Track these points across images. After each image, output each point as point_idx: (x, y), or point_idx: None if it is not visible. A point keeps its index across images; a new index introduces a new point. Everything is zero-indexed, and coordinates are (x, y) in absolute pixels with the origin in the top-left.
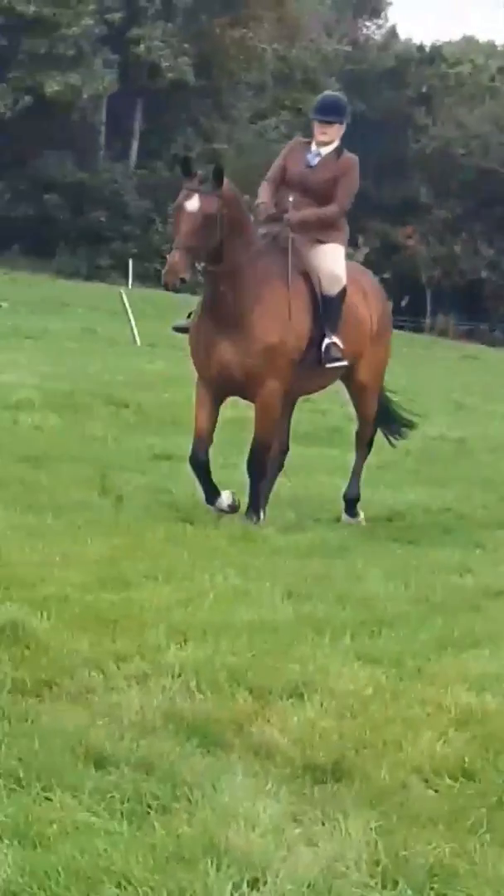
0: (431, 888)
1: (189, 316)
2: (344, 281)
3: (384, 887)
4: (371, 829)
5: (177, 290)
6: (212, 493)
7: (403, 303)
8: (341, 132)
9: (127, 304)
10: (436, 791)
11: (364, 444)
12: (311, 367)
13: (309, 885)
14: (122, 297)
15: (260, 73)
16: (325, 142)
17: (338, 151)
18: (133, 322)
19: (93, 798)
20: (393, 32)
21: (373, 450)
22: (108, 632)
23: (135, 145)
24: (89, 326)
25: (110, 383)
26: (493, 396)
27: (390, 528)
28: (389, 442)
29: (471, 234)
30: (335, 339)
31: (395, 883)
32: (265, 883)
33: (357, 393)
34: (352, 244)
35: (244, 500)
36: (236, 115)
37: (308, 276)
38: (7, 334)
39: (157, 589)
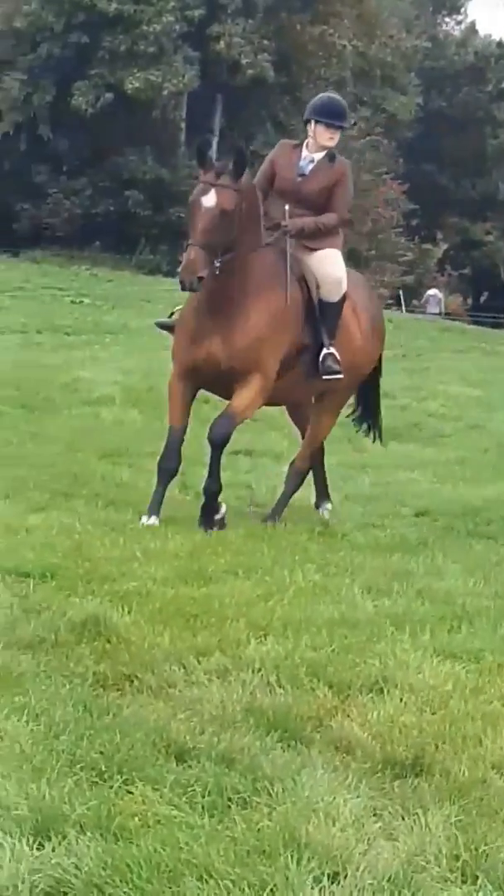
0: None
1: (171, 315)
2: (345, 287)
3: (464, 882)
4: (451, 823)
5: (193, 289)
6: (158, 505)
7: (482, 299)
8: None
9: None
10: None
11: (302, 474)
12: (304, 377)
13: (389, 879)
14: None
15: (339, 70)
16: (329, 147)
17: (330, 157)
18: None
19: (174, 791)
20: (472, 28)
21: (449, 445)
22: (188, 626)
23: (215, 142)
24: None
25: None
26: None
27: (469, 524)
28: (375, 438)
29: None
30: (333, 350)
31: (475, 878)
32: (345, 877)
33: (322, 413)
34: (430, 240)
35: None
36: None
37: (304, 283)
38: (88, 330)
39: (237, 584)
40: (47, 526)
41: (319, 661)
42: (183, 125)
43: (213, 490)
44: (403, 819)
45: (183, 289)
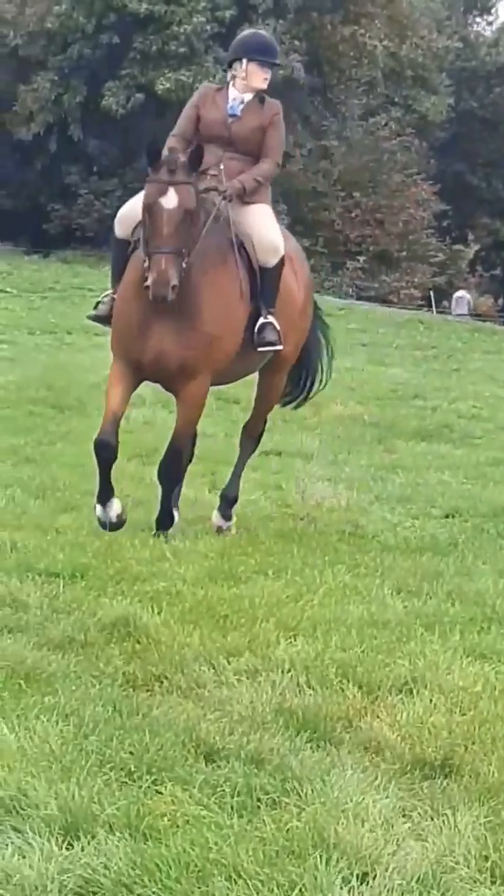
0: None
1: (96, 306)
2: (282, 250)
3: (493, 882)
4: (480, 824)
5: (167, 302)
6: (108, 490)
7: None
8: None
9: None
10: None
11: (255, 437)
12: (241, 352)
13: (418, 880)
14: None
15: (370, 70)
16: (262, 88)
17: (260, 98)
18: None
19: (203, 791)
20: None
21: (480, 446)
22: (218, 627)
23: None
24: None
25: None
26: None
27: (500, 525)
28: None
29: None
30: (271, 319)
31: None
32: (374, 877)
33: (270, 374)
34: (461, 241)
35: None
36: (346, 112)
37: (245, 249)
38: None
39: (267, 584)
40: (77, 526)
41: (349, 661)
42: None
43: (167, 524)
44: (433, 819)
45: (156, 302)
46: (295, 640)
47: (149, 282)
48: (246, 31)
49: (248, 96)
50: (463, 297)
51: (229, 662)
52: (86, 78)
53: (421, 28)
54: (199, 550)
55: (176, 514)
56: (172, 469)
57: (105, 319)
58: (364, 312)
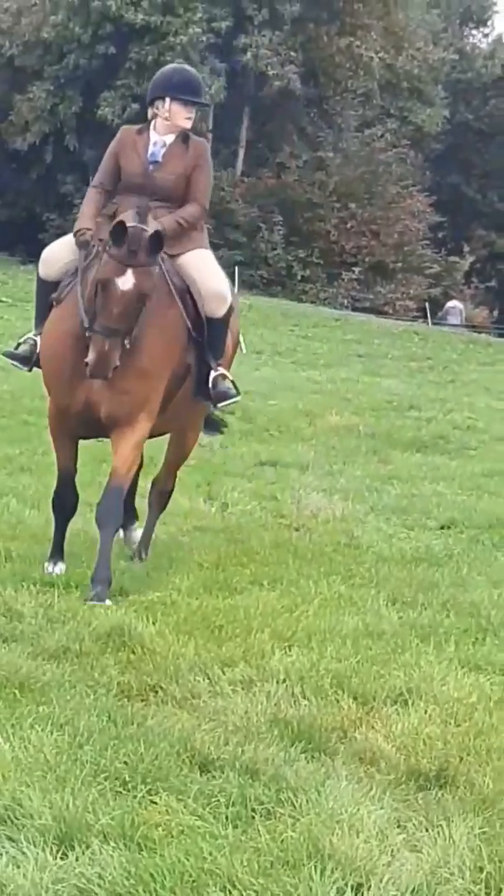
0: None
1: (17, 347)
2: (230, 298)
3: (488, 894)
4: (475, 835)
5: (105, 379)
6: (60, 549)
7: None
8: None
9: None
10: None
11: (167, 495)
12: (185, 403)
13: (413, 891)
14: None
15: (366, 82)
16: (186, 128)
17: (183, 137)
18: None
19: (198, 802)
20: (500, 41)
21: (476, 457)
22: (213, 637)
23: (241, 154)
24: None
25: None
26: None
27: (495, 537)
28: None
29: None
30: (223, 370)
31: (500, 890)
32: (369, 888)
33: (191, 427)
34: (457, 253)
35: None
36: (342, 123)
37: (189, 296)
38: None
39: (262, 595)
40: (73, 535)
41: (344, 672)
42: (209, 137)
43: (105, 578)
44: (427, 831)
45: (93, 378)
46: (290, 651)
47: (89, 359)
48: (168, 67)
49: (170, 138)
50: (455, 306)
51: (224, 673)
52: (82, 88)
53: (417, 40)
54: (194, 560)
55: (144, 555)
56: (112, 517)
57: (23, 360)
58: (359, 323)
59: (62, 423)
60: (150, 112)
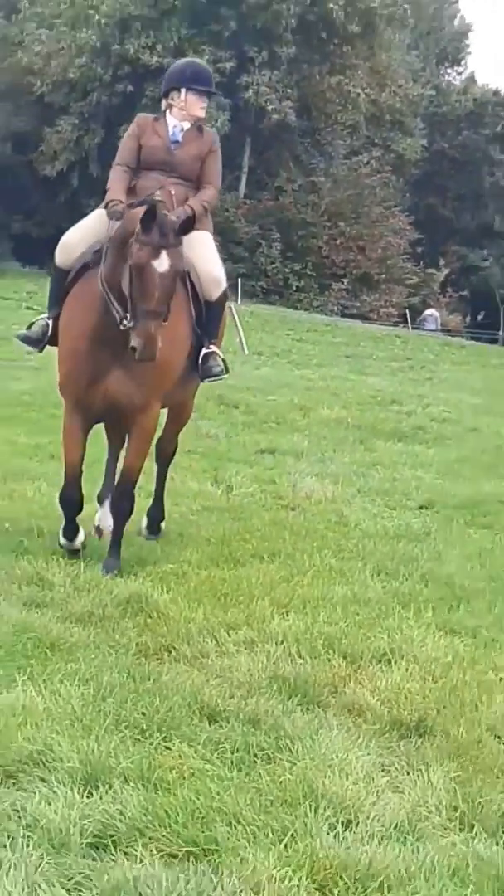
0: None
1: (29, 327)
2: (225, 283)
3: (461, 830)
4: (450, 779)
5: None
6: (74, 531)
7: (480, 317)
8: None
9: (237, 318)
10: None
11: (171, 454)
12: (185, 378)
13: (395, 827)
14: (232, 312)
15: (353, 115)
16: (201, 117)
17: (198, 126)
18: (242, 333)
19: (207, 748)
20: (472, 79)
21: (450, 446)
22: (220, 604)
23: (243, 179)
24: None
25: (222, 386)
26: None
27: (467, 516)
28: None
29: None
30: (214, 349)
31: (472, 826)
32: (357, 824)
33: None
34: (433, 265)
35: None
36: (332, 151)
37: (188, 279)
38: None
39: (262, 567)
40: (94, 513)
41: (334, 634)
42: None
43: (116, 567)
44: (408, 774)
45: (142, 361)
46: (287, 616)
47: (135, 344)
48: (180, 61)
49: (186, 124)
50: (431, 313)
51: (229, 635)
52: (103, 121)
53: (398, 77)
54: (202, 536)
55: (148, 536)
56: (125, 504)
57: (35, 342)
58: (347, 328)
59: (78, 410)
60: (164, 103)
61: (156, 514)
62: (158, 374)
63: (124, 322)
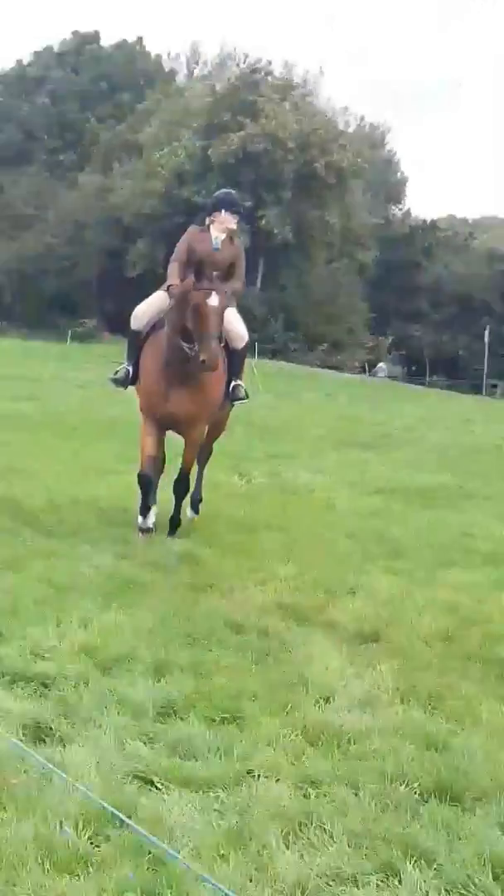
0: (430, 704)
1: (116, 373)
2: (247, 338)
3: (401, 703)
4: (395, 670)
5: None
6: (147, 508)
7: (413, 369)
8: None
9: (254, 368)
10: (431, 649)
11: (209, 455)
12: (221, 403)
13: (359, 701)
14: (252, 369)
15: (330, 237)
16: (233, 229)
17: (230, 238)
18: (257, 378)
19: (235, 650)
20: (408, 212)
21: (404, 450)
22: (243, 556)
23: (259, 279)
24: None
25: (244, 411)
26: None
27: (420, 499)
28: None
29: (453, 330)
30: (240, 382)
31: (409, 700)
32: (333, 700)
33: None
34: (382, 335)
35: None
36: (317, 260)
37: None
38: None
39: (271, 534)
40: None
41: (318, 576)
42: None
43: (177, 524)
44: (367, 667)
45: (205, 370)
46: (287, 564)
47: (203, 357)
48: (219, 191)
49: (223, 235)
50: (381, 367)
51: (249, 576)
52: (167, 241)
53: (359, 211)
54: (229, 512)
55: (191, 514)
56: (182, 487)
57: (121, 383)
58: (326, 376)
59: (153, 423)
60: (207, 220)
61: (196, 497)
62: (205, 399)
63: (192, 349)
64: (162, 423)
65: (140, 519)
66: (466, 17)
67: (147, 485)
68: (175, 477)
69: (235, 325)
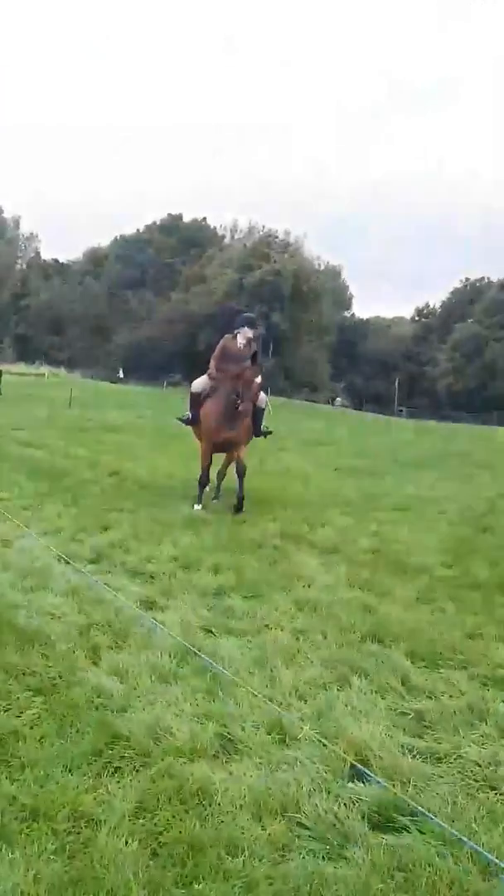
0: (366, 588)
1: (182, 416)
2: (265, 403)
3: (350, 587)
4: (346, 569)
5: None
6: (199, 500)
7: (355, 401)
8: None
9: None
10: (366, 557)
11: (244, 469)
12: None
13: (325, 586)
14: (268, 405)
15: (310, 330)
16: (251, 338)
17: (249, 342)
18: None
19: (257, 558)
20: (353, 314)
21: (349, 443)
22: (262, 506)
23: (270, 352)
24: None
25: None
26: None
27: (369, 473)
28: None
29: (377, 379)
30: (264, 424)
31: (354, 586)
32: (312, 585)
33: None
34: (337, 381)
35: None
36: (302, 342)
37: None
38: None
39: (276, 493)
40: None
41: (304, 516)
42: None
43: (242, 496)
44: (331, 567)
45: (244, 416)
46: (285, 510)
47: (242, 408)
48: (243, 315)
49: (245, 341)
50: (338, 400)
51: (265, 516)
52: (220, 333)
53: (326, 313)
54: (252, 484)
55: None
56: (243, 478)
57: (186, 423)
58: (306, 406)
59: (209, 446)
60: (235, 331)
61: (240, 495)
62: (248, 432)
63: (238, 403)
64: (218, 446)
65: (196, 506)
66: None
67: (202, 486)
68: (236, 467)
69: (261, 395)
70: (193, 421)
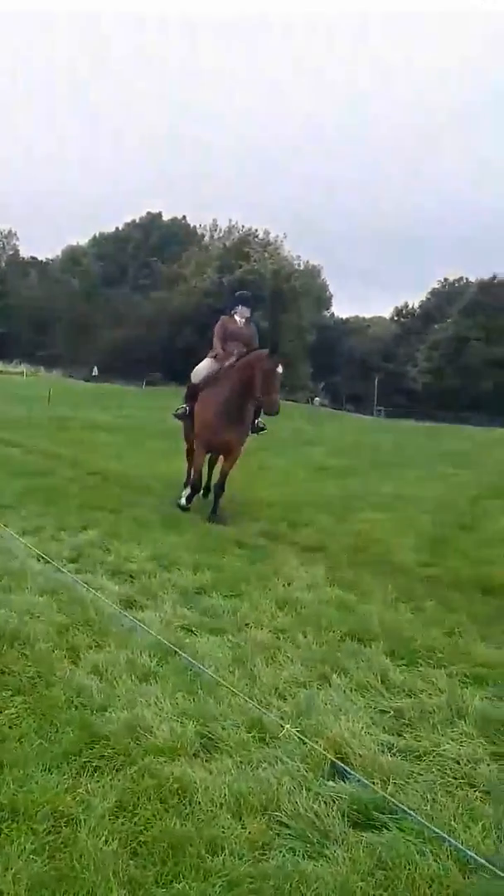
0: (346, 588)
1: (177, 411)
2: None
3: (330, 586)
4: (326, 567)
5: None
6: (189, 499)
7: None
8: None
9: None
10: (347, 556)
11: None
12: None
13: (306, 584)
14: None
15: (290, 331)
16: (247, 317)
17: (248, 321)
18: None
19: (238, 556)
20: (332, 315)
21: (328, 443)
22: (244, 506)
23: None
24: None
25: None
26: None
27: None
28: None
29: (356, 378)
30: (261, 420)
31: (333, 585)
32: (292, 584)
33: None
34: (317, 380)
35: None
36: (283, 342)
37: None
38: None
39: (257, 492)
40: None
41: (284, 515)
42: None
43: (218, 511)
44: (311, 566)
45: (270, 414)
46: (269, 508)
47: (267, 406)
48: (238, 292)
49: (242, 320)
50: (317, 399)
51: (247, 515)
52: (199, 330)
53: (306, 312)
54: (232, 483)
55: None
56: (222, 488)
57: (180, 417)
58: (288, 406)
59: (203, 447)
60: (232, 310)
61: (215, 507)
62: (245, 433)
63: (260, 400)
64: (213, 448)
65: (183, 501)
66: None
67: (194, 487)
68: (216, 482)
69: None
70: (188, 415)
